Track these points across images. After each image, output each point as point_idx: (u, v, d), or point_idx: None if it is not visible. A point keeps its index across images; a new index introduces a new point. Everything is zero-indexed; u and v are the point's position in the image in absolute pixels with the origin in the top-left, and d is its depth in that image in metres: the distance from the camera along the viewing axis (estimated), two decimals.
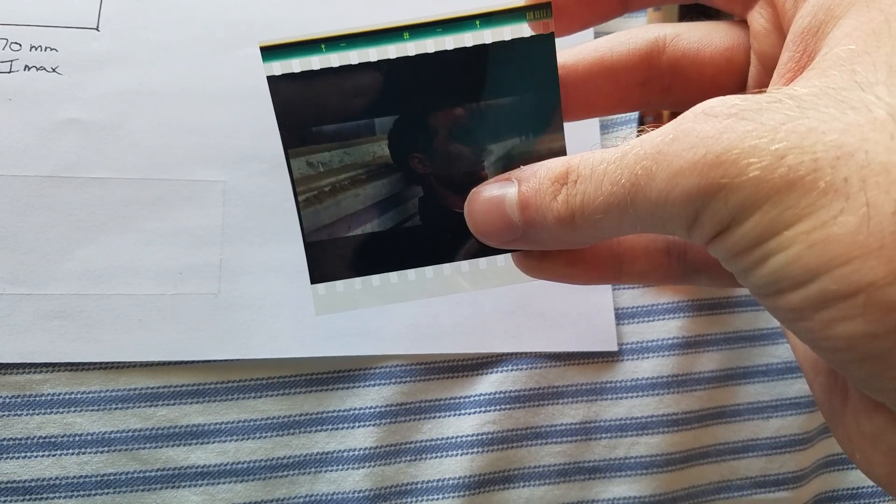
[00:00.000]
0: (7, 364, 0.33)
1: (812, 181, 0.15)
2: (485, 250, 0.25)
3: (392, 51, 0.24)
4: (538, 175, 0.22)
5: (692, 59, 0.23)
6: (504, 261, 0.25)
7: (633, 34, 0.24)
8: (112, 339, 0.33)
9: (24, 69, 0.35)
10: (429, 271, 0.25)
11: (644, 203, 0.18)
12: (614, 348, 0.35)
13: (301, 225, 0.25)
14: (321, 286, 0.25)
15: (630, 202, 0.19)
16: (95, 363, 0.33)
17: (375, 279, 0.25)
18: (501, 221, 0.22)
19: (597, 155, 0.20)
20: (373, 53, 0.24)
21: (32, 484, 0.32)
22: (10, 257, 0.33)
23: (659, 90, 0.24)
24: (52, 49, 0.36)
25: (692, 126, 0.17)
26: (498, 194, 0.22)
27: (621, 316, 0.36)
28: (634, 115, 0.36)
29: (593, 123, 0.37)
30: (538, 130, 0.24)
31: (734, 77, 0.23)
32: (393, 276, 0.25)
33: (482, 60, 0.24)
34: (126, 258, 0.34)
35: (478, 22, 0.24)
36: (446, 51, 0.24)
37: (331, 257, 0.25)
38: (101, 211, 0.34)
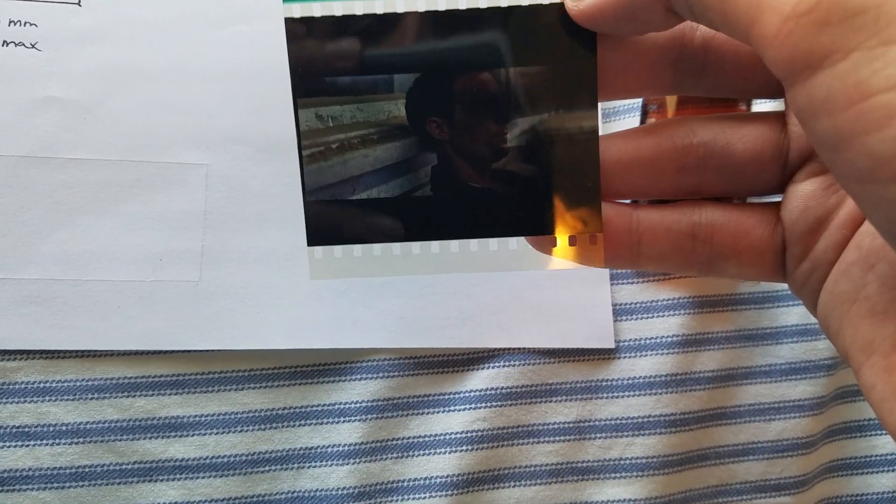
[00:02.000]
0: None
1: None
2: (498, 230, 0.23)
3: (421, 3, 0.22)
4: None
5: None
6: (516, 244, 0.24)
7: None
8: (89, 326, 0.32)
9: (2, 45, 0.34)
10: (434, 246, 0.24)
11: None
12: (611, 345, 0.34)
13: (302, 181, 0.23)
14: (318, 249, 0.24)
15: None
16: (71, 351, 0.32)
17: (377, 248, 0.24)
18: None
19: None
20: (400, 4, 0.22)
21: (5, 475, 0.31)
22: None
23: (692, 71, 0.23)
24: (31, 24, 0.34)
25: None
26: None
27: (619, 312, 0.34)
28: (637, 102, 0.35)
29: None
30: (569, 106, 0.23)
31: None
32: (395, 248, 0.24)
33: (515, 24, 0.23)
34: (104, 242, 0.33)
35: None
36: (478, 8, 0.22)
37: (331, 220, 0.23)
38: (79, 193, 0.33)
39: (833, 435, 0.35)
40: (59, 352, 0.32)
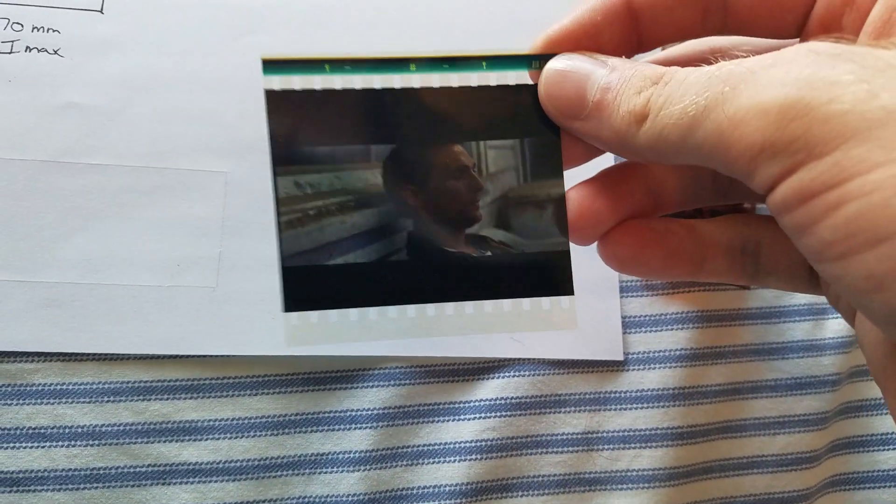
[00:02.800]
0: (0, 353, 0.32)
1: None
2: (473, 293, 0.24)
3: (397, 80, 0.24)
4: (635, 67, 0.21)
5: None
6: (492, 307, 0.24)
7: None
8: (106, 329, 0.33)
9: (26, 50, 0.34)
10: (411, 310, 0.24)
11: (717, 119, 0.17)
12: (620, 357, 0.34)
13: (279, 248, 0.23)
14: (294, 315, 0.24)
15: (704, 117, 0.18)
16: (88, 354, 0.32)
17: (353, 314, 0.24)
18: (575, 92, 0.22)
19: (693, 69, 0.19)
20: (377, 80, 0.23)
21: (20, 475, 0.31)
22: (3, 243, 0.33)
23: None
24: (54, 31, 0.35)
25: (793, 56, 0.17)
26: (588, 68, 0.22)
27: (628, 325, 0.35)
28: None
29: None
30: (537, 175, 0.24)
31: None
32: (372, 313, 0.24)
33: (485, 101, 0.24)
34: (123, 247, 0.33)
35: (484, 63, 0.24)
36: (451, 87, 0.24)
37: (308, 285, 0.24)
38: (99, 198, 0.33)
39: (837, 450, 0.36)
40: (77, 354, 0.32)
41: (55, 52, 0.34)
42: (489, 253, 0.24)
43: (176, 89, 0.34)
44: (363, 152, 0.24)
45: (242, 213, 0.34)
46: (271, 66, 0.23)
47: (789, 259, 0.23)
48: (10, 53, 0.34)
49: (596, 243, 0.24)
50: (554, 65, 0.23)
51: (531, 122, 0.24)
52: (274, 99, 0.23)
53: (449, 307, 0.24)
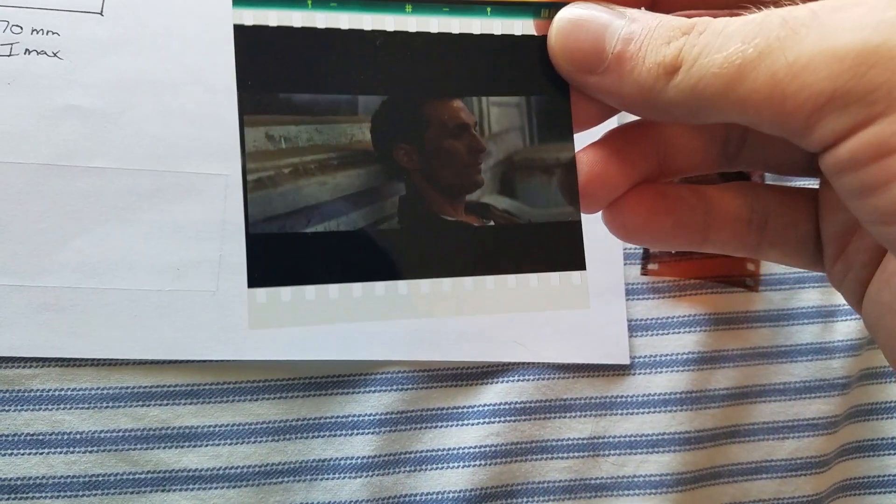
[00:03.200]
0: None
1: None
2: (473, 268, 0.22)
3: (390, 22, 0.21)
4: (660, 18, 0.19)
5: None
6: (494, 283, 0.22)
7: None
8: (105, 334, 0.32)
9: (25, 53, 0.34)
10: (402, 287, 0.21)
11: (773, 67, 0.16)
12: (626, 361, 0.34)
13: (245, 211, 0.20)
14: (261, 292, 0.20)
15: (755, 66, 0.16)
16: (87, 359, 0.32)
17: (333, 290, 0.20)
18: (592, 43, 0.20)
19: (732, 18, 0.18)
20: (367, 21, 0.21)
21: (18, 482, 0.31)
22: (2, 247, 0.32)
23: None
24: (53, 33, 0.34)
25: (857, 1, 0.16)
26: (605, 18, 0.20)
27: (634, 328, 0.34)
28: None
29: None
30: (545, 137, 0.22)
31: None
32: (356, 289, 0.21)
33: (489, 52, 0.22)
34: (122, 251, 0.33)
35: (489, 9, 0.22)
36: (451, 34, 0.22)
37: (280, 256, 0.20)
38: (98, 201, 0.33)
39: (846, 454, 0.35)
40: (75, 360, 0.32)
41: (55, 55, 0.34)
42: (492, 222, 0.22)
43: (176, 92, 0.34)
44: (349, 103, 0.21)
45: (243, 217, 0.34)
46: None
47: (796, 233, 0.22)
48: (9, 56, 0.34)
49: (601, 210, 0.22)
50: (567, 13, 0.21)
51: (540, 77, 0.22)
52: (244, 35, 0.20)
53: (446, 283, 0.21)
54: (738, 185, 0.23)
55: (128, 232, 0.33)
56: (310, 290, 0.20)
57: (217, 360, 0.32)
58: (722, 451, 0.34)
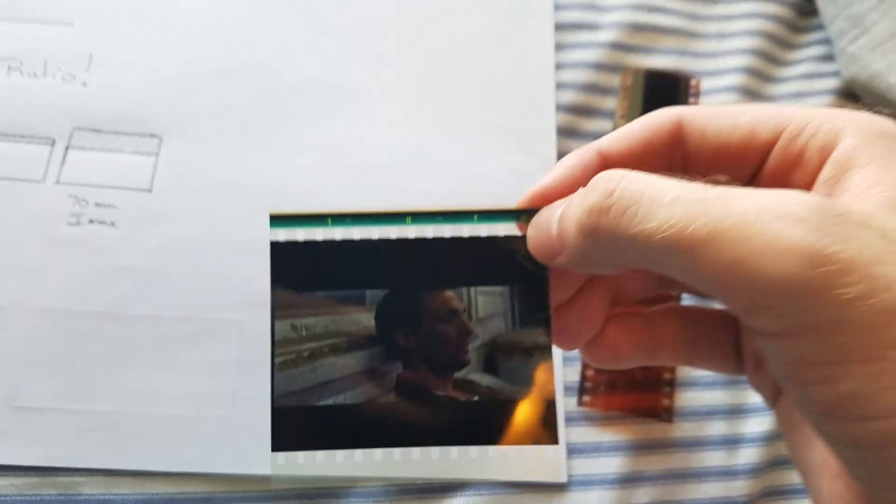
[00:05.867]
0: (56, 468, 0.40)
1: None
2: (459, 438, 0.25)
3: (393, 232, 0.25)
4: (581, 190, 0.23)
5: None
6: (477, 453, 0.25)
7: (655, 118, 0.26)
8: (142, 451, 0.40)
9: (89, 222, 0.43)
10: (396, 453, 0.24)
11: (719, 257, 0.19)
12: (564, 479, 0.41)
13: (272, 388, 0.24)
14: (281, 455, 0.24)
15: (702, 247, 0.19)
16: (127, 470, 0.40)
17: (339, 454, 0.24)
18: (546, 232, 0.24)
19: (658, 180, 0.21)
20: (374, 232, 0.25)
21: None
22: (67, 378, 0.41)
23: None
24: (111, 206, 0.44)
25: (800, 212, 0.19)
26: (550, 211, 0.24)
27: (571, 450, 0.42)
28: None
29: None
30: (525, 322, 0.25)
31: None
32: (358, 454, 0.24)
33: (476, 250, 0.25)
34: (158, 383, 0.41)
35: (476, 217, 0.25)
36: (444, 238, 0.25)
37: (297, 426, 0.24)
38: (141, 343, 0.42)
39: None
40: (118, 470, 0.40)
41: (112, 224, 0.43)
42: (476, 398, 0.25)
43: (206, 254, 0.43)
44: (358, 296, 0.24)
45: (255, 356, 0.42)
46: (278, 220, 0.25)
47: (721, 350, 0.29)
48: (77, 225, 0.43)
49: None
50: (535, 217, 0.25)
51: (520, 270, 0.25)
52: (278, 249, 0.25)
53: (434, 451, 0.25)
54: (671, 313, 0.29)
55: (163, 367, 0.41)
56: (318, 455, 0.25)
57: (230, 474, 0.40)
58: None
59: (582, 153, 0.26)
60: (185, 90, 0.47)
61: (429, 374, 0.25)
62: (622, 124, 0.27)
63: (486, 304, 0.25)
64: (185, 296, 0.42)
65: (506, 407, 0.25)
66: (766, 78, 0.53)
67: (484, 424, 0.25)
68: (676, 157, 0.26)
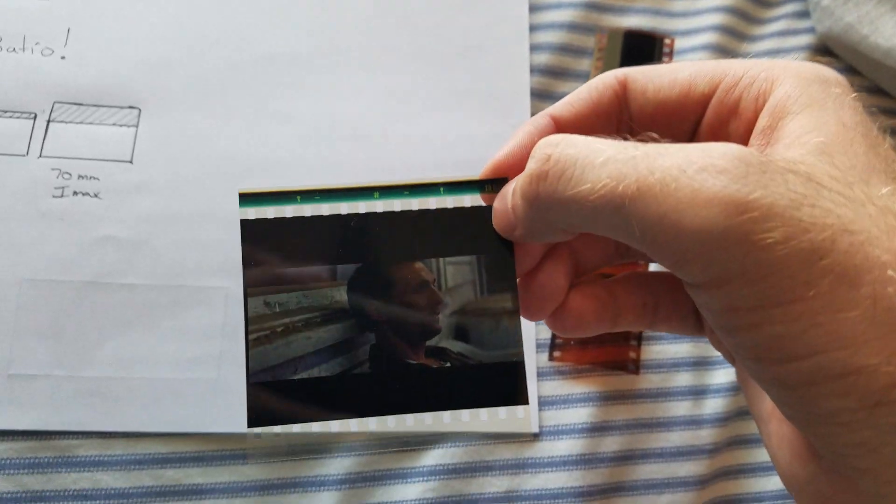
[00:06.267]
0: (51, 431, 0.41)
1: (829, 264, 0.18)
2: (433, 404, 0.25)
3: (362, 206, 0.25)
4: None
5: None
6: (450, 417, 0.26)
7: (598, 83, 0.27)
8: (133, 413, 0.42)
9: (73, 194, 0.44)
10: (372, 423, 0.25)
11: (647, 212, 0.19)
12: (536, 430, 0.43)
13: (247, 364, 0.25)
14: (258, 430, 0.26)
15: (630, 203, 0.20)
16: (120, 432, 0.42)
17: (315, 426, 0.25)
18: (503, 206, 0.24)
19: (593, 142, 0.21)
20: (343, 207, 0.25)
21: None
22: (56, 347, 0.42)
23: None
24: (94, 178, 0.45)
25: (722, 164, 0.19)
26: (510, 185, 0.25)
27: (543, 403, 0.43)
28: None
29: None
30: (492, 289, 0.26)
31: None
32: (333, 426, 0.25)
33: (444, 221, 0.26)
34: (146, 349, 0.43)
35: (441, 189, 0.26)
36: (411, 210, 0.26)
37: (272, 401, 0.24)
38: (128, 311, 0.43)
39: None
40: (110, 433, 0.42)
41: (95, 195, 0.45)
42: (448, 364, 0.25)
43: (188, 223, 0.44)
44: (329, 272, 0.25)
45: (239, 321, 0.44)
46: (247, 198, 0.25)
47: (680, 313, 0.30)
48: (61, 197, 0.44)
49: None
50: (501, 191, 0.25)
51: (486, 239, 0.26)
52: (248, 227, 0.25)
53: (409, 418, 0.25)
54: (631, 280, 0.29)
55: (151, 334, 0.43)
56: (295, 427, 0.25)
57: (217, 433, 0.42)
58: (611, 502, 0.43)
59: (537, 119, 0.27)
60: (163, 62, 0.48)
61: (402, 344, 0.25)
62: None
63: (455, 273, 0.26)
64: (170, 264, 0.44)
65: (477, 371, 0.26)
66: (741, 36, 0.54)
67: (457, 389, 0.26)
68: (624, 118, 0.27)
